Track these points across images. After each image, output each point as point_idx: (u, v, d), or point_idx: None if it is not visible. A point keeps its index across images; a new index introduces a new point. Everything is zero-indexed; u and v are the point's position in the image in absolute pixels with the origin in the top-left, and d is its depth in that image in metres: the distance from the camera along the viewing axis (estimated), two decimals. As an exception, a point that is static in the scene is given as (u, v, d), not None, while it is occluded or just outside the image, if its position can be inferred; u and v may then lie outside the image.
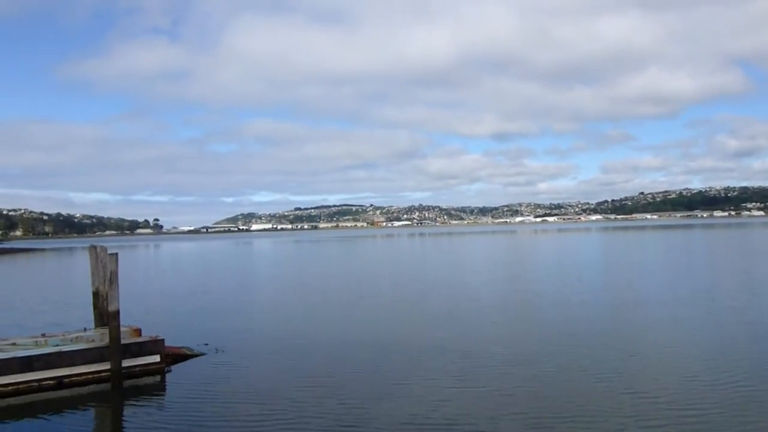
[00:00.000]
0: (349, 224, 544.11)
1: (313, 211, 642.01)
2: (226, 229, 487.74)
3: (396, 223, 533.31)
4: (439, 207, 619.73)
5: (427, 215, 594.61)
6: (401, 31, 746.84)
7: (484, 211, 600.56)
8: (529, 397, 13.88)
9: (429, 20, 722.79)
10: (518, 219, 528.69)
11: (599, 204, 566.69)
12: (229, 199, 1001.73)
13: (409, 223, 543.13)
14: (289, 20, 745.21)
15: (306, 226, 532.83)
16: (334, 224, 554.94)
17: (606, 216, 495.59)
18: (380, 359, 18.51)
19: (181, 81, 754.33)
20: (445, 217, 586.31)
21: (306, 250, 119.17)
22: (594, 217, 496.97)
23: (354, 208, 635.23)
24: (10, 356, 15.63)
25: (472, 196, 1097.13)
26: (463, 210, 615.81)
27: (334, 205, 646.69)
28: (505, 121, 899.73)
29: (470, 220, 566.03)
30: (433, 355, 18.71)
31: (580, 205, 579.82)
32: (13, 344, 17.35)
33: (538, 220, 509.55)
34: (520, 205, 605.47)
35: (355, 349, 20.27)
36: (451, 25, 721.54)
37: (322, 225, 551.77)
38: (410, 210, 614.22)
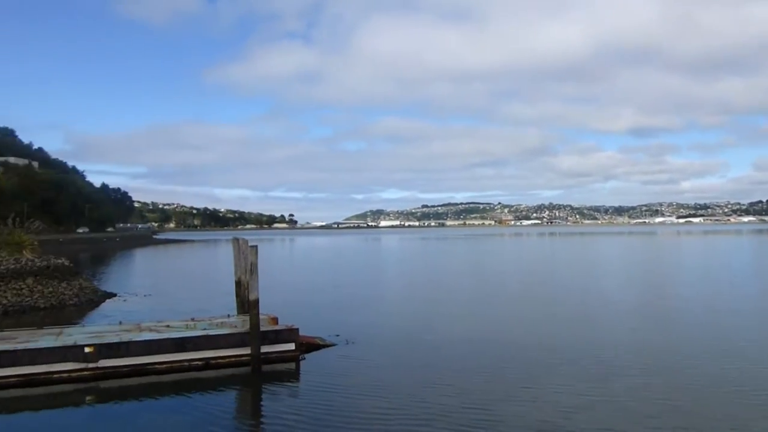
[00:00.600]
0: (476, 222, 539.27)
1: (440, 208, 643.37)
2: (356, 225, 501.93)
3: (525, 222, 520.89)
4: (570, 206, 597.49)
5: (557, 214, 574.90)
6: (532, 25, 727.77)
7: (620, 211, 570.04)
8: (672, 413, 12.88)
9: (561, 13, 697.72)
10: (658, 219, 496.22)
11: (752, 204, 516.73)
12: (359, 196, 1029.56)
13: (539, 222, 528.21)
14: (418, 19, 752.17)
15: (433, 224, 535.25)
16: (461, 222, 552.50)
17: (760, 218, 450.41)
18: (507, 360, 18.12)
19: (315, 82, 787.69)
20: (577, 216, 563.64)
21: (433, 247, 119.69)
22: (746, 219, 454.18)
23: (482, 206, 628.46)
24: (165, 337, 17.16)
25: (606, 194, 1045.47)
26: (596, 209, 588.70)
27: (462, 203, 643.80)
28: (644, 116, 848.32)
29: (604, 219, 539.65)
30: (565, 360, 17.97)
31: (729, 206, 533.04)
32: (167, 326, 19.03)
33: (681, 221, 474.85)
34: (661, 204, 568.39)
35: (482, 348, 20.00)
36: (585, 16, 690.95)
37: (449, 222, 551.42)
38: (540, 209, 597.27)
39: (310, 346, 19.49)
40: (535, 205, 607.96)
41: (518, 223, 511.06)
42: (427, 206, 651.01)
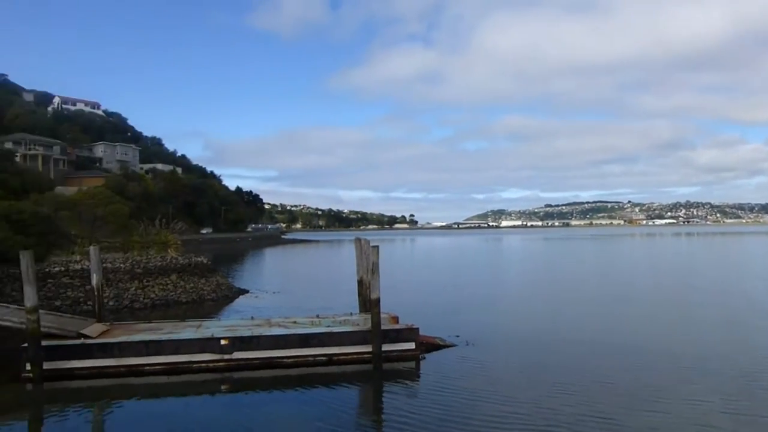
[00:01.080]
0: (603, 222, 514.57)
1: (564, 207, 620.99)
2: (476, 225, 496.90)
3: (658, 222, 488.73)
4: (710, 204, 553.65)
5: (695, 213, 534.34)
6: (662, 13, 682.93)
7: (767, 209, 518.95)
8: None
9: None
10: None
11: None
12: (480, 196, 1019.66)
13: (674, 221, 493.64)
14: (539, 13, 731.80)
15: (557, 224, 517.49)
16: (587, 222, 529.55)
17: None
18: (637, 368, 17.06)
19: (435, 83, 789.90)
20: (718, 215, 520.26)
21: (557, 247, 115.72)
22: None
23: (609, 205, 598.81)
24: (292, 333, 17.98)
25: (751, 191, 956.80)
26: (740, 207, 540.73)
27: (587, 202, 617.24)
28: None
29: (749, 218, 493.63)
30: (703, 371, 16.63)
31: None
32: (294, 322, 19.92)
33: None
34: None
35: (609, 353, 19.05)
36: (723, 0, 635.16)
37: (573, 222, 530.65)
38: (675, 207, 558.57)
39: (430, 345, 19.56)
40: (669, 203, 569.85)
41: (650, 223, 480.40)
42: (550, 205, 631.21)
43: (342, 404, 14.36)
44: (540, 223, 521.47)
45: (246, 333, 17.90)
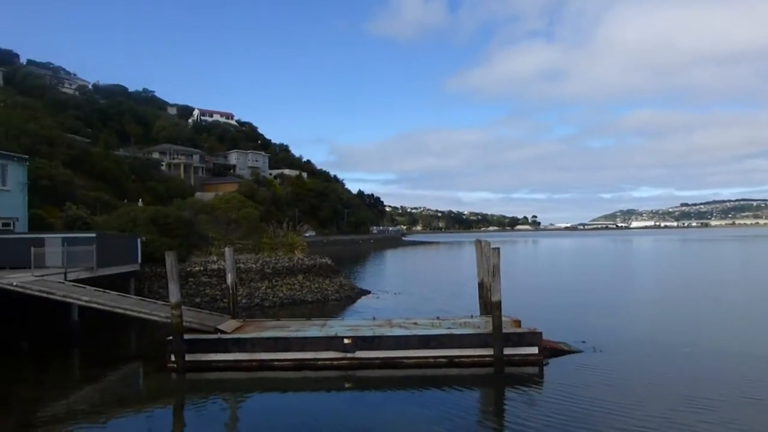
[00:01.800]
0: (748, 222, 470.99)
1: (702, 207, 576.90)
2: (604, 226, 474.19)
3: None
4: None
5: None
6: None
7: None
8: None
9: None
10: None
11: None
12: (607, 195, 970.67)
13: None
14: (669, 2, 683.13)
15: (694, 224, 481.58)
16: (729, 221, 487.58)
17: None
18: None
19: (557, 80, 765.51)
20: None
21: (694, 249, 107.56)
22: None
23: (755, 203, 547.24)
24: (413, 333, 18.15)
25: None
26: None
27: (729, 200, 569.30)
28: None
29: None
30: None
31: None
32: (415, 323, 20.09)
33: None
34: None
35: (755, 367, 17.39)
36: None
37: (713, 222, 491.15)
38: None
39: (554, 351, 18.93)
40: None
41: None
42: (686, 204, 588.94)
43: (462, 408, 14.25)
44: (675, 224, 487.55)
45: (368, 333, 18.31)
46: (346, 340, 17.60)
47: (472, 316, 21.40)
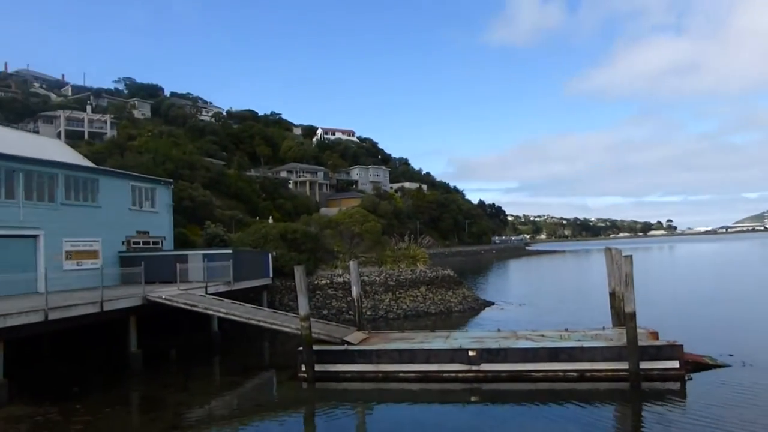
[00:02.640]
0: None
1: None
2: (750, 228, 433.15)
3: None
4: None
5: None
6: None
7: None
8: None
9: None
10: None
11: None
12: (752, 195, 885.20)
13: None
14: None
15: None
16: None
17: None
18: None
19: (689, 74, 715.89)
20: None
21: None
22: None
23: None
24: (540, 346, 17.57)
25: None
26: None
27: None
28: None
29: None
30: None
31: None
32: (542, 336, 19.45)
33: None
34: None
35: None
36: None
37: None
38: None
39: (697, 365, 17.55)
40: None
41: None
42: None
43: (594, 426, 13.56)
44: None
45: (493, 345, 17.99)
46: (470, 353, 17.40)
47: (603, 328, 20.37)
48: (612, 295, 21.55)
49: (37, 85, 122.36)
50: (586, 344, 17.50)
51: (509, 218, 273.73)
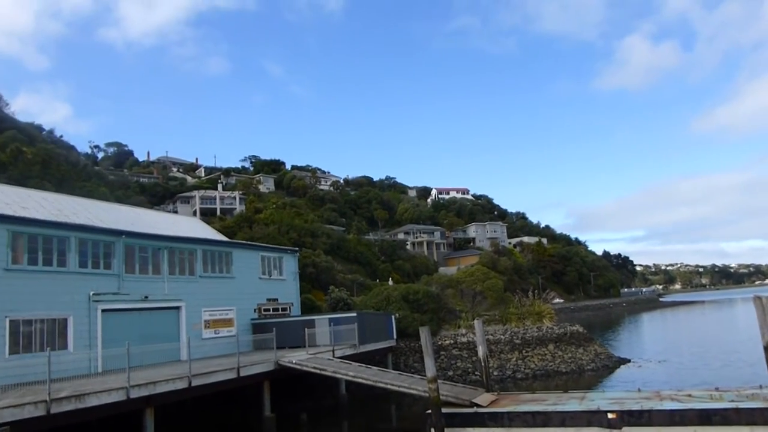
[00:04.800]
0: None
1: None
2: None
3: None
4: None
5: None
6: None
7: None
8: None
9: None
10: None
11: None
12: None
13: None
14: None
15: None
16: None
17: None
18: None
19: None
20: None
21: None
22: None
23: None
24: (689, 408, 16.11)
25: None
26: None
27: None
28: None
29: None
30: None
31: None
32: (689, 396, 17.88)
33: None
34: None
35: None
36: None
37: None
38: None
39: None
40: None
41: None
42: None
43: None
44: None
45: (635, 406, 16.76)
46: (610, 415, 16.31)
47: (761, 387, 18.39)
48: (766, 349, 19.52)
49: (174, 169, 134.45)
50: (742, 405, 15.85)
51: (638, 268, 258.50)
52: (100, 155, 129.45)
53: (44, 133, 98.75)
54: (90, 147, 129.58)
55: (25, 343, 21.58)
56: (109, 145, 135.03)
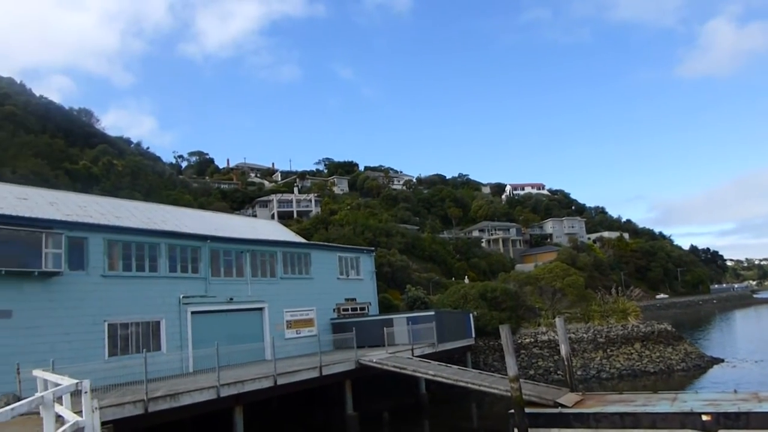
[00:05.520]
0: None
1: None
2: None
3: None
4: None
5: None
6: None
7: None
8: None
9: None
10: None
11: None
12: None
13: None
14: None
15: None
16: None
17: None
18: None
19: None
20: None
21: None
22: None
23: None
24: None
25: None
26: None
27: None
28: None
29: None
30: None
31: None
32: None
33: None
34: None
35: None
36: None
37: None
38: None
39: None
40: None
41: None
42: None
43: None
44: None
45: (731, 408, 15.92)
46: (704, 417, 15.56)
47: None
48: None
49: (252, 174, 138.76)
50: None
51: (729, 263, 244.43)
52: (184, 164, 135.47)
53: (132, 145, 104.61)
54: (174, 157, 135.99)
55: (122, 345, 22.90)
56: (191, 154, 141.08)
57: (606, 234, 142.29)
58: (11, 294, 19.66)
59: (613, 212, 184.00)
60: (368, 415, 23.58)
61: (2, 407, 6.39)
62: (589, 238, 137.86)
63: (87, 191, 40.78)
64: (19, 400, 9.22)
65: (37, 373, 12.32)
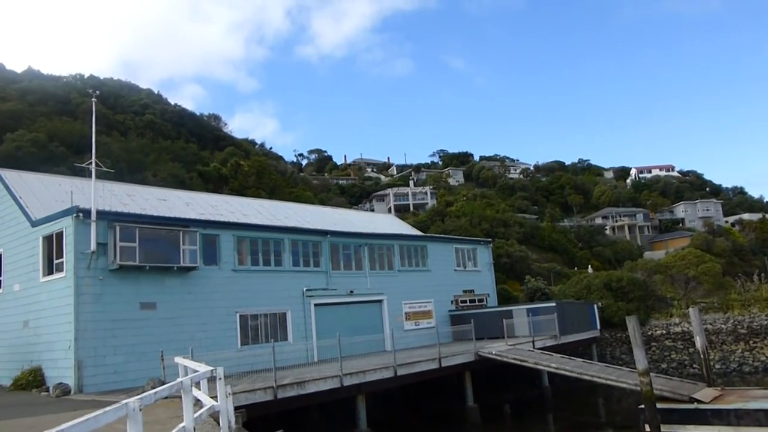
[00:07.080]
0: None
1: None
2: None
3: None
4: None
5: None
6: None
7: None
8: None
9: None
10: None
11: None
12: None
13: None
14: None
15: None
16: None
17: None
18: None
19: None
20: None
21: None
22: None
23: None
24: None
25: None
26: None
27: None
28: None
29: None
30: None
31: None
32: None
33: None
34: None
35: None
36: None
37: None
38: None
39: None
40: None
41: None
42: None
43: None
44: None
45: None
46: None
47: None
48: None
49: (369, 169, 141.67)
50: None
51: None
52: (304, 162, 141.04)
53: (257, 146, 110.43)
54: (295, 155, 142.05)
55: (252, 335, 24.34)
56: (311, 152, 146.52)
57: (746, 216, 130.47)
58: (155, 288, 21.50)
59: (754, 192, 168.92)
60: (489, 407, 23.41)
61: (149, 391, 7.05)
62: (726, 222, 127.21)
63: (217, 191, 43.66)
64: (163, 384, 10.09)
65: (178, 360, 13.44)
